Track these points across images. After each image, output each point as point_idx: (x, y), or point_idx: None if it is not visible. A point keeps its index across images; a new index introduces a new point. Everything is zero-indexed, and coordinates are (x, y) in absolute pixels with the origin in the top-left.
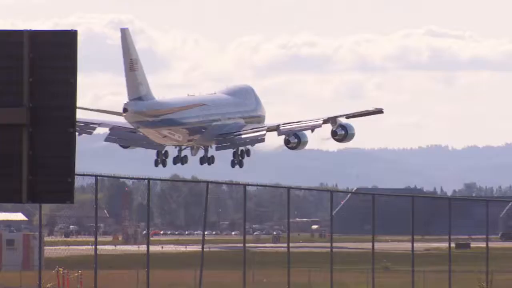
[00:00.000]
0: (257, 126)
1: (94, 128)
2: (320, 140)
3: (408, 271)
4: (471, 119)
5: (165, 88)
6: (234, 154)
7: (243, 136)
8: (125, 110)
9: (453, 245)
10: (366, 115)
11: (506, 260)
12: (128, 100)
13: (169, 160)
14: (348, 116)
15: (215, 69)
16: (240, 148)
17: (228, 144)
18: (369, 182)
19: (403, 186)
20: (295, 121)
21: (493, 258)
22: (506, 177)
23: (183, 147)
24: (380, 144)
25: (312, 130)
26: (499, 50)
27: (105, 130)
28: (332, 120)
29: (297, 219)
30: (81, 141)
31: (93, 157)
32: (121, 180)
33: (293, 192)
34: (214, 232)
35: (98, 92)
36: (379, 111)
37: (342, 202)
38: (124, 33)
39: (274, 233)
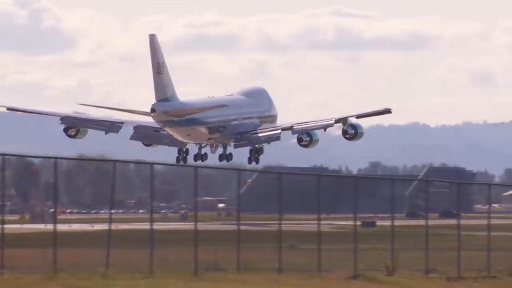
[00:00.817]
0: (272, 126)
1: (120, 127)
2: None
3: (314, 249)
4: (376, 98)
5: (71, 67)
6: (251, 151)
7: (260, 135)
8: (152, 110)
9: (359, 223)
10: (375, 115)
11: (411, 238)
12: (155, 101)
13: (190, 157)
14: (358, 116)
15: (121, 48)
16: (256, 146)
17: (246, 142)
18: (276, 160)
19: (309, 165)
20: (308, 121)
21: (398, 236)
22: (411, 156)
23: (203, 145)
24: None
25: (325, 129)
26: (403, 30)
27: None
28: (343, 120)
29: (204, 197)
30: (109, 138)
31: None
32: (29, 158)
33: (200, 170)
34: (121, 211)
35: (4, 71)
36: (387, 111)
37: (249, 181)
38: (153, 38)
39: (182, 211)
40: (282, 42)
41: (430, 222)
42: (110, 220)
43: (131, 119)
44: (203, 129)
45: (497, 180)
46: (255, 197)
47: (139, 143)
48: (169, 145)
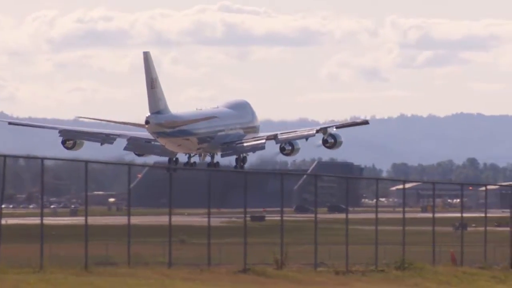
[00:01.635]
0: (257, 136)
1: (114, 139)
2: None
3: (204, 243)
4: (265, 94)
5: None
6: (237, 160)
7: (245, 144)
8: (147, 122)
9: (248, 218)
10: (353, 126)
11: (300, 232)
12: (149, 114)
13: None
14: (337, 127)
15: (11, 44)
16: (242, 155)
17: (232, 151)
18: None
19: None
20: (291, 131)
21: (288, 231)
22: (300, 151)
23: (192, 154)
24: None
25: (307, 139)
26: (292, 26)
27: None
28: (323, 130)
29: (94, 192)
30: (105, 149)
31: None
32: None
33: (91, 165)
34: (11, 206)
35: None
36: (365, 123)
37: (140, 176)
38: (147, 56)
39: (72, 206)
40: (172, 38)
41: (319, 216)
42: (0, 215)
43: (124, 132)
44: (193, 140)
45: (384, 174)
46: (146, 192)
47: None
48: (160, 155)
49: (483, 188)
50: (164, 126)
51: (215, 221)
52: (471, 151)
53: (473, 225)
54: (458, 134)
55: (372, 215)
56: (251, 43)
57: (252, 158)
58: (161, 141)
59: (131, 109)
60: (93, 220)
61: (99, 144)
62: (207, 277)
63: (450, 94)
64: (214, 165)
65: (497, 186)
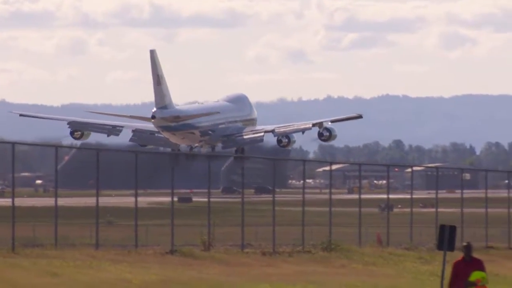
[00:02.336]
0: (255, 129)
1: (120, 130)
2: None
3: (131, 225)
4: (192, 76)
5: None
6: (236, 151)
7: (245, 137)
8: (153, 117)
9: (175, 199)
10: (347, 120)
11: (226, 213)
12: (155, 109)
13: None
14: (332, 121)
15: None
16: (240, 146)
17: (232, 143)
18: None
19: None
20: (288, 124)
21: (215, 212)
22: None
23: (194, 146)
24: (103, 99)
25: (303, 132)
26: (219, 7)
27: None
28: (319, 124)
29: (21, 173)
30: (112, 139)
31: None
32: None
33: (17, 147)
34: None
35: None
36: (358, 117)
37: (67, 158)
38: (153, 54)
39: None
40: (98, 19)
41: (246, 198)
42: None
43: (129, 124)
44: (196, 133)
45: (311, 156)
46: (74, 173)
47: None
48: (163, 147)
49: (409, 170)
50: (169, 120)
51: (142, 202)
52: (397, 132)
53: (399, 206)
54: (384, 115)
55: (299, 196)
56: (178, 25)
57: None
58: (165, 135)
59: (59, 90)
60: (20, 201)
61: (106, 135)
62: (134, 259)
63: (376, 76)
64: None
65: (422, 168)
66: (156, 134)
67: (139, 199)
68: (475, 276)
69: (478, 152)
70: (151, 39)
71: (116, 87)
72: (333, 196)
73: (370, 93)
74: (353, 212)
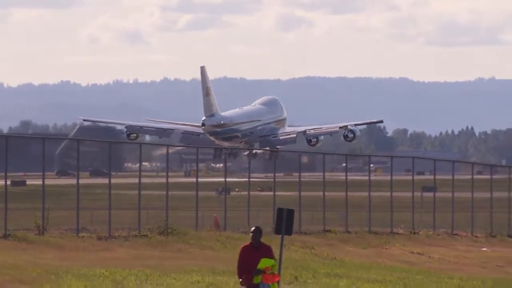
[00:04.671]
0: (288, 131)
1: (171, 133)
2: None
3: None
4: (26, 57)
5: None
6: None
7: (280, 138)
8: (203, 124)
9: (9, 182)
10: (369, 124)
11: (61, 197)
12: (205, 117)
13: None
14: (356, 124)
15: None
16: (276, 146)
17: (267, 144)
18: None
19: None
20: (317, 127)
21: (49, 195)
22: (61, 115)
23: (235, 146)
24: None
25: (331, 135)
26: None
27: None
28: (345, 127)
29: None
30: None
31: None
32: None
33: None
34: None
35: None
36: (379, 121)
37: None
38: (203, 69)
39: None
40: None
41: (81, 181)
42: None
43: (178, 127)
44: (238, 135)
45: (147, 139)
46: None
47: None
48: (208, 147)
49: (247, 153)
50: (216, 126)
51: None
52: None
53: (237, 189)
54: (221, 97)
55: (136, 180)
56: (11, 4)
57: (14, 123)
58: (213, 138)
59: None
60: None
61: (158, 137)
62: None
63: (213, 58)
64: (253, 155)
65: (261, 151)
66: (201, 136)
67: None
68: (263, 263)
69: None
70: None
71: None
72: (170, 180)
73: (208, 75)
74: (190, 195)
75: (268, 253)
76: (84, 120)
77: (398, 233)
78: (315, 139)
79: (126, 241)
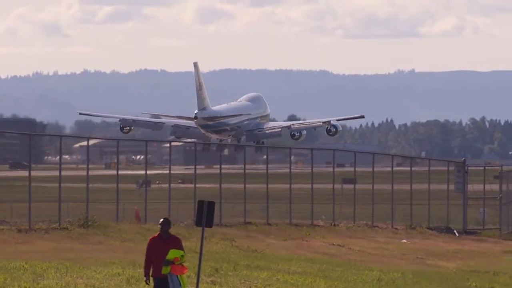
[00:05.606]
0: (273, 125)
1: (162, 126)
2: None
3: None
4: None
5: None
6: (257, 143)
7: (266, 132)
8: (195, 117)
9: None
10: (350, 119)
11: None
12: (197, 110)
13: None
14: (338, 120)
15: None
16: (261, 140)
17: (253, 137)
18: None
19: None
20: (301, 121)
21: None
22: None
23: (222, 139)
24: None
25: (315, 129)
26: None
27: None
28: (327, 122)
29: None
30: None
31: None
32: None
33: None
34: None
35: None
36: (360, 117)
37: None
38: (196, 65)
39: None
40: None
41: (1, 174)
42: None
43: (168, 120)
44: (228, 129)
45: (67, 131)
46: None
47: None
48: (197, 139)
49: (167, 145)
50: (208, 120)
51: None
52: (156, 107)
53: (157, 182)
54: (143, 90)
55: (56, 172)
56: None
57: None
58: (204, 131)
59: None
60: None
61: (151, 130)
62: None
63: (134, 50)
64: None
65: (181, 143)
66: (191, 129)
67: None
68: (172, 254)
69: None
70: None
71: None
72: (91, 172)
73: (128, 67)
74: (111, 188)
75: (177, 244)
76: (80, 113)
77: (319, 225)
78: (298, 133)
79: (46, 234)
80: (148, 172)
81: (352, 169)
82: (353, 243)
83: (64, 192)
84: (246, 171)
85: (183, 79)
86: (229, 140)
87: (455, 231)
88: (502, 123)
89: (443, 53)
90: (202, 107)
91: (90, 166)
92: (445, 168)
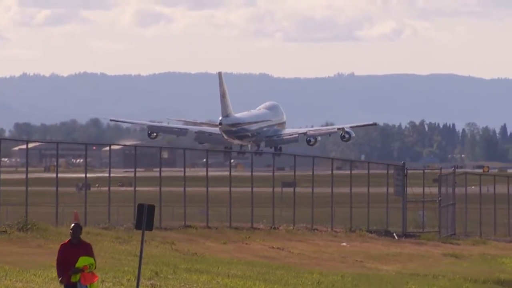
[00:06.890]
0: (291, 132)
1: (186, 132)
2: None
3: None
4: None
5: None
6: (275, 149)
7: (284, 138)
8: (220, 123)
9: None
10: (364, 126)
11: None
12: (221, 117)
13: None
14: (352, 127)
15: None
16: (279, 145)
17: (272, 143)
18: None
19: None
20: (317, 128)
21: None
22: None
23: (243, 144)
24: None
25: (330, 135)
26: None
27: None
28: (341, 129)
29: None
30: (181, 139)
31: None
32: None
33: None
34: None
35: None
36: (373, 124)
37: None
38: (220, 74)
39: None
40: None
41: None
42: None
43: (192, 127)
44: (248, 135)
45: (7, 134)
46: None
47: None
48: (219, 144)
49: (107, 148)
50: (231, 126)
51: None
52: (95, 110)
53: (97, 185)
54: (82, 93)
55: None
56: None
57: None
58: (227, 137)
59: None
60: None
61: (176, 136)
62: None
63: (73, 53)
64: (259, 153)
65: (120, 146)
66: (213, 135)
67: None
68: (82, 262)
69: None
70: None
71: None
72: (30, 175)
73: (67, 70)
74: (50, 191)
75: (88, 251)
76: (111, 120)
77: (259, 228)
78: (314, 139)
79: None
80: (88, 175)
81: (291, 172)
82: (293, 246)
83: (3, 195)
84: (186, 174)
85: (123, 82)
86: (250, 146)
87: (394, 234)
88: (441, 126)
89: (382, 57)
90: (225, 114)
91: (29, 169)
92: (385, 171)
